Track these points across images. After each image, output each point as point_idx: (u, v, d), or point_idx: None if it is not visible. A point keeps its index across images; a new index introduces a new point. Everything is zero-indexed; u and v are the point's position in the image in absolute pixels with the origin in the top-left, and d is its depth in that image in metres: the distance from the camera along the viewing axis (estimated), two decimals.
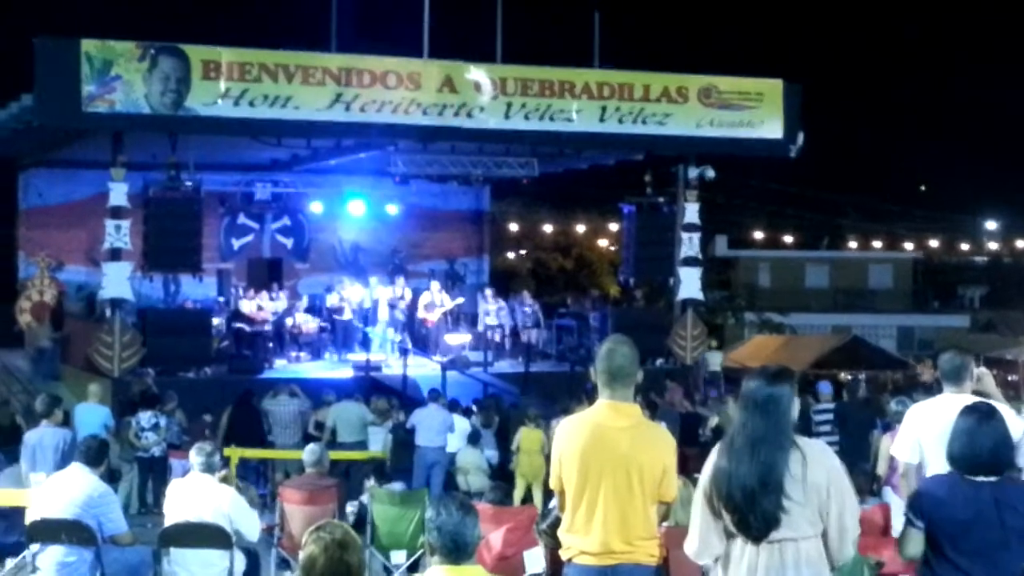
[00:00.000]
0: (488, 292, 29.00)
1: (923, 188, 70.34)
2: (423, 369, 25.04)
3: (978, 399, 6.98)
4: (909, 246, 60.17)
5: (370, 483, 13.28)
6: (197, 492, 9.79)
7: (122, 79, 20.72)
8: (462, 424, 18.64)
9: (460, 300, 28.32)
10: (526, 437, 17.45)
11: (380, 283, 28.20)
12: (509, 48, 23.71)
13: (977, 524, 5.92)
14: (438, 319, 27.54)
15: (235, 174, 28.42)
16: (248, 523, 9.79)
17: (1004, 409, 6.98)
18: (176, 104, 21.05)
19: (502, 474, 17.80)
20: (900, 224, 59.31)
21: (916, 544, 6.07)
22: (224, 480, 10.26)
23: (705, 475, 5.91)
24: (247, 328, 25.77)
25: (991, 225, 63.32)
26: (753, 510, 5.65)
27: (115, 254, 21.95)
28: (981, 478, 5.99)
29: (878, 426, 17.38)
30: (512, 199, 42.60)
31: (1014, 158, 64.06)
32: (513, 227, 45.10)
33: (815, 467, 5.73)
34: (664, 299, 28.12)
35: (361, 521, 11.89)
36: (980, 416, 6.17)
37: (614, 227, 40.32)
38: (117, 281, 21.96)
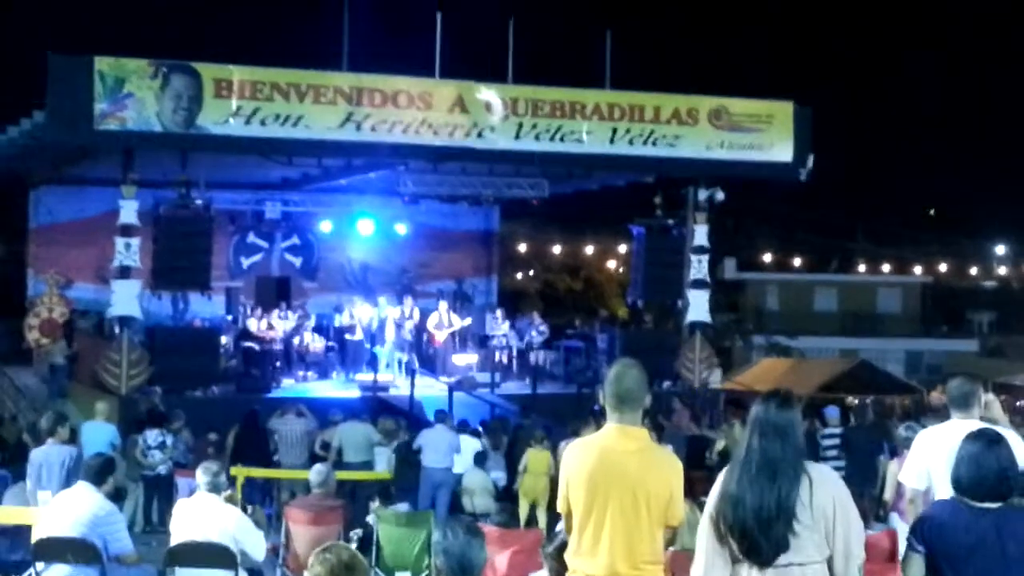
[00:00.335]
0: (497, 313, 29.01)
1: (932, 212, 70.32)
2: (430, 390, 25.03)
3: (985, 425, 6.96)
4: (918, 270, 60.13)
5: (376, 504, 13.27)
6: (203, 512, 9.78)
7: (134, 97, 20.78)
8: (469, 445, 18.60)
9: (468, 321, 28.33)
10: (533, 458, 17.41)
11: (389, 303, 28.21)
12: (520, 68, 23.76)
13: (979, 550, 5.90)
14: (446, 339, 27.55)
15: (245, 192, 28.46)
16: (254, 543, 9.77)
17: (1011, 436, 6.97)
18: (188, 122, 21.10)
19: (509, 496, 17.75)
20: (909, 248, 59.29)
21: (917, 569, 6.05)
22: (230, 500, 10.24)
23: (712, 500, 5.90)
24: (255, 347, 25.79)
25: (1000, 250, 63.25)
26: (764, 535, 5.65)
27: (124, 272, 21.99)
28: (985, 504, 5.97)
29: (885, 451, 17.35)
30: (521, 220, 42.64)
31: (1022, 182, 64.04)
32: (522, 248, 45.13)
33: (821, 492, 5.73)
34: (672, 321, 28.11)
35: (367, 542, 11.88)
36: (986, 442, 6.15)
37: (623, 249, 40.36)
38: (126, 299, 21.99)
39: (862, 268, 61.77)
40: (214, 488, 9.86)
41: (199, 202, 22.54)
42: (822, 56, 75.30)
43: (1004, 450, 6.12)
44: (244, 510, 10.46)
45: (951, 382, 8.22)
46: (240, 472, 17.06)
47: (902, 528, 11.74)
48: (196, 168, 22.43)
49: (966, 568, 5.91)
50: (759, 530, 5.67)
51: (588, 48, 26.21)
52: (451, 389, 24.40)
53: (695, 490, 11.26)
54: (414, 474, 17.78)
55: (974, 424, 7.25)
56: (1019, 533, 5.93)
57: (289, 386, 25.31)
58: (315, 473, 12.28)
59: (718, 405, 26.21)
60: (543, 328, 29.16)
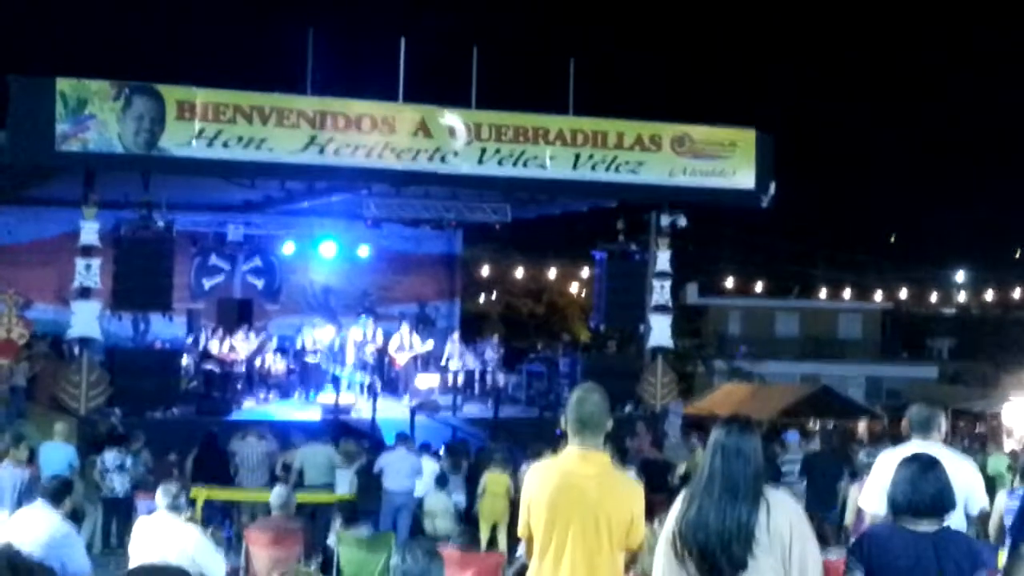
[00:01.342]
0: (457, 336, 29.05)
1: (893, 239, 70.75)
2: (392, 412, 25.00)
3: (923, 450, 7.05)
4: (879, 297, 60.45)
5: (337, 526, 13.24)
6: (162, 533, 9.72)
7: (96, 118, 20.70)
8: (431, 467, 18.59)
9: (430, 344, 28.33)
10: (491, 480, 17.39)
11: (350, 325, 28.18)
12: (483, 95, 23.80)
13: (916, 571, 5.97)
14: (408, 362, 27.54)
15: (207, 214, 28.38)
16: (213, 565, 9.72)
17: (964, 462, 7.07)
18: (150, 144, 21.03)
19: (470, 518, 17.74)
20: (870, 275, 59.62)
21: None
22: (190, 521, 10.19)
23: (670, 522, 5.94)
24: (216, 369, 25.71)
25: (960, 277, 63.69)
26: (723, 557, 5.69)
27: (85, 293, 21.88)
28: (922, 526, 6.05)
29: (845, 476, 17.43)
30: (484, 244, 42.63)
31: (983, 211, 64.59)
32: (485, 271, 45.12)
33: (779, 516, 5.79)
34: (634, 346, 28.17)
35: (328, 564, 11.85)
36: (922, 465, 6.25)
37: (585, 273, 40.45)
38: (86, 320, 21.89)
39: (823, 294, 62.05)
40: (174, 509, 9.81)
41: (161, 224, 22.48)
42: (785, 84, 75.83)
43: (939, 472, 6.22)
44: (203, 531, 10.41)
45: (912, 407, 8.33)
46: (200, 494, 17.00)
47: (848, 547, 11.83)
48: (158, 190, 22.36)
49: None
50: (719, 552, 5.72)
51: (551, 75, 26.33)
52: (413, 412, 24.38)
53: (656, 513, 11.31)
54: (375, 496, 17.76)
55: (933, 447, 7.33)
56: (955, 555, 6.03)
57: (250, 408, 25.23)
58: (275, 495, 12.26)
59: (679, 429, 26.30)
60: (501, 351, 29.23)
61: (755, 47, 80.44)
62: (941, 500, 6.15)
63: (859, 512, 12.47)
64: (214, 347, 26.12)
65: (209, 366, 25.74)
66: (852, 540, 12.71)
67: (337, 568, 11.94)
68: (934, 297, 63.35)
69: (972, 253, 62.87)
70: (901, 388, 52.28)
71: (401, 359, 27.54)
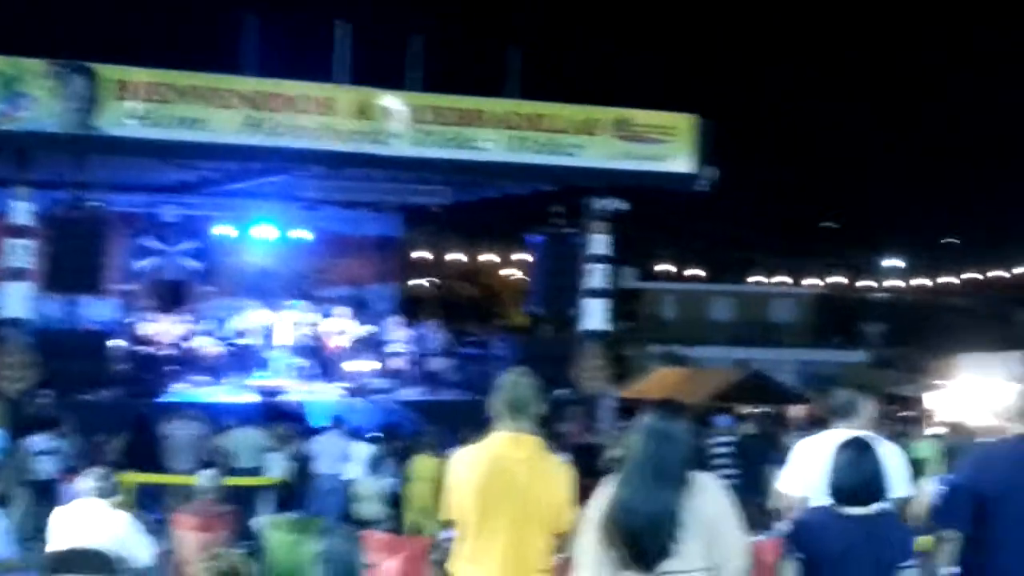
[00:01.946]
0: (395, 319, 28.96)
1: (827, 226, 71.32)
2: (326, 395, 24.91)
3: (857, 433, 7.13)
4: (812, 281, 60.98)
5: (267, 510, 13.21)
6: (89, 517, 9.66)
7: (30, 97, 20.44)
8: (363, 451, 18.54)
9: (367, 327, 28.24)
10: (420, 465, 17.34)
11: (286, 308, 28.04)
12: (425, 77, 23.72)
13: (850, 556, 6.04)
14: (343, 345, 27.45)
15: (142, 195, 28.10)
16: (141, 549, 9.67)
17: (888, 446, 7.15)
18: (85, 124, 20.81)
19: (401, 503, 17.73)
20: (803, 260, 60.12)
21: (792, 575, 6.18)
22: (117, 505, 10.13)
23: (598, 506, 5.97)
24: (148, 351, 25.49)
25: (892, 263, 64.35)
26: (650, 541, 5.73)
27: (16, 274, 21.62)
28: (857, 510, 6.12)
29: (775, 460, 17.56)
30: (423, 227, 42.58)
31: (915, 199, 65.24)
32: (423, 255, 45.10)
33: (705, 500, 5.84)
34: (570, 330, 28.23)
35: (256, 548, 11.81)
36: (856, 449, 6.31)
37: (523, 257, 40.50)
38: (17, 301, 21.65)
39: (757, 279, 62.51)
40: (101, 493, 9.75)
41: (94, 204, 22.25)
42: (723, 69, 76.17)
43: (873, 456, 6.29)
44: (131, 516, 10.34)
45: (835, 392, 8.41)
46: (129, 477, 16.86)
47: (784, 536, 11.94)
48: (92, 170, 22.12)
49: (839, 573, 6.04)
50: (646, 536, 5.75)
51: (492, 58, 26.27)
52: (347, 395, 24.32)
53: (587, 498, 11.36)
54: (307, 481, 17.72)
55: (855, 433, 7.40)
56: (889, 539, 6.10)
57: (181, 391, 25.03)
58: (204, 479, 12.21)
59: (612, 413, 26.38)
60: (441, 335, 29.18)
61: (696, 32, 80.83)
62: (877, 485, 6.22)
63: (781, 497, 12.60)
64: (146, 329, 25.90)
65: (141, 348, 25.52)
66: (782, 524, 12.86)
67: (266, 553, 11.89)
68: (866, 282, 63.97)
69: (904, 240, 63.56)
70: (833, 373, 52.77)
71: (337, 342, 27.45)
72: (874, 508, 6.16)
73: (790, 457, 8.28)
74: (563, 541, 6.77)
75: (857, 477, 6.18)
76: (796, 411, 34.87)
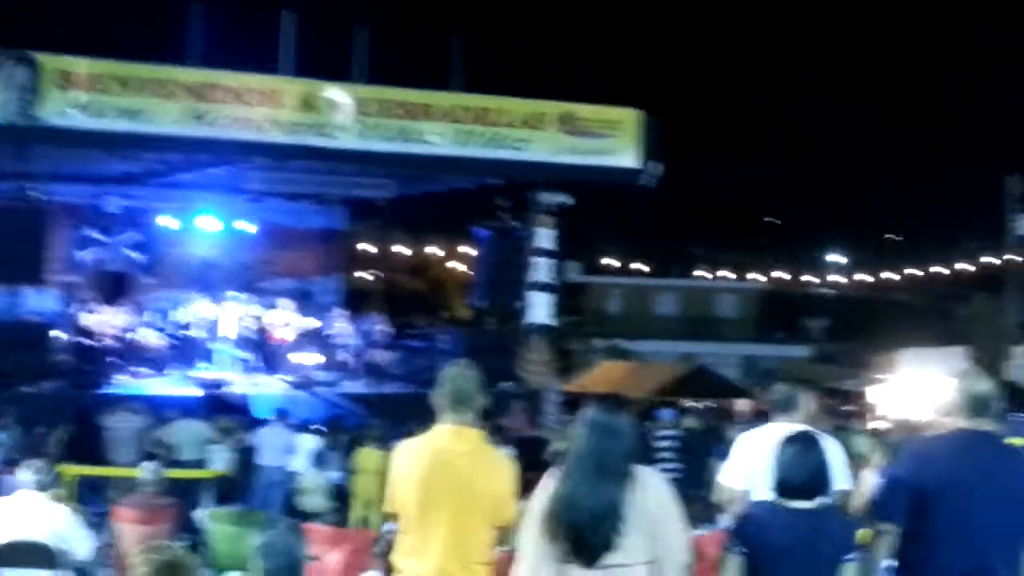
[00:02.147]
0: (340, 313, 28.89)
1: (771, 221, 71.73)
2: (270, 388, 24.83)
3: (801, 428, 7.18)
4: (756, 277, 61.29)
5: (209, 503, 13.16)
6: (28, 510, 9.57)
7: None
8: (307, 444, 18.50)
9: (310, 320, 28.14)
10: (365, 457, 17.33)
11: (230, 300, 27.89)
12: (370, 69, 23.67)
13: (795, 551, 6.07)
14: (287, 338, 27.35)
15: (85, 186, 27.86)
16: (80, 542, 9.59)
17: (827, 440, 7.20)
18: (27, 114, 20.62)
19: (346, 496, 17.70)
20: (748, 255, 60.41)
21: (736, 570, 6.20)
22: (57, 498, 10.04)
23: (540, 500, 5.99)
24: (90, 342, 25.29)
25: (835, 259, 64.78)
26: (593, 535, 5.76)
27: None
28: (800, 504, 6.15)
29: (718, 454, 17.64)
30: (368, 220, 42.37)
31: (859, 195, 65.74)
32: (367, 248, 44.88)
33: (649, 494, 5.87)
34: (514, 323, 28.26)
35: (199, 541, 11.77)
36: (801, 443, 6.34)
37: (468, 251, 40.51)
38: None
39: (702, 274, 62.75)
40: (40, 486, 9.66)
41: (36, 195, 22.06)
42: (668, 65, 76.34)
43: (817, 451, 6.33)
44: (71, 509, 10.27)
45: (775, 386, 8.47)
46: (69, 470, 16.74)
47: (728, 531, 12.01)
48: (34, 160, 21.94)
49: (782, 568, 6.08)
50: (588, 530, 5.78)
51: (437, 51, 26.25)
52: (291, 388, 24.25)
53: (531, 491, 11.38)
54: (250, 474, 17.66)
55: (794, 427, 7.46)
56: (833, 533, 6.14)
57: (124, 383, 24.85)
58: (146, 471, 12.14)
59: (557, 407, 26.43)
60: (383, 328, 29.14)
61: (642, 26, 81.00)
62: (821, 479, 6.26)
63: (723, 490, 12.67)
64: (88, 320, 25.68)
65: (83, 340, 25.30)
66: (725, 518, 12.93)
67: (208, 546, 11.86)
68: (809, 278, 64.37)
69: (847, 236, 64.01)
70: (776, 367, 53.08)
71: (281, 335, 27.34)
72: (817, 502, 6.20)
73: (732, 451, 8.33)
74: (505, 534, 6.79)
75: (803, 471, 6.21)
76: (741, 405, 35.06)
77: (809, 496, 6.19)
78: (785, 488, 6.21)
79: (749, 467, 7.82)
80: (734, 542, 6.19)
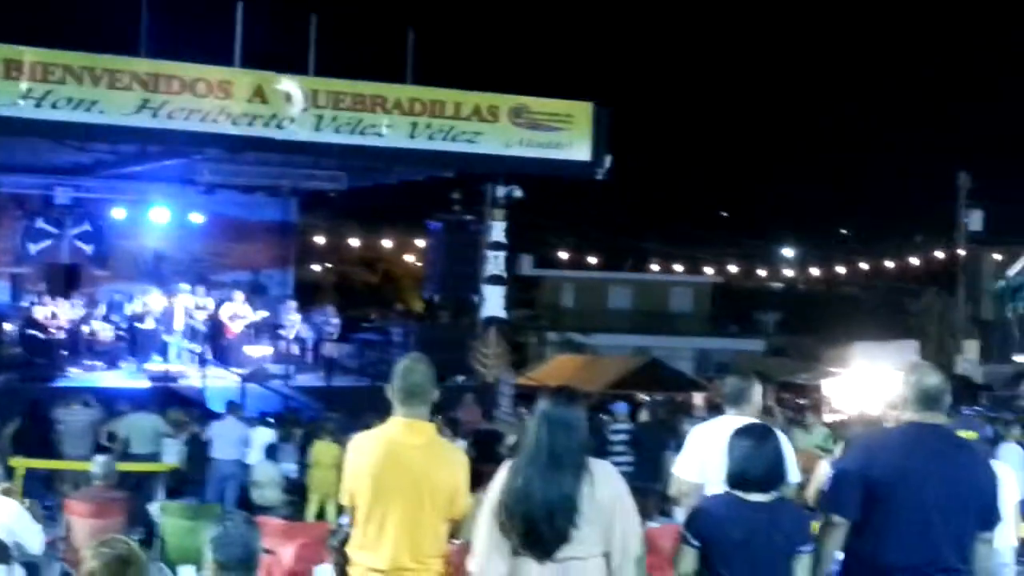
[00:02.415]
0: (290, 304, 28.81)
1: (724, 215, 71.96)
2: (223, 381, 24.71)
3: (750, 421, 7.21)
4: (709, 271, 61.44)
5: (161, 496, 13.09)
6: None
7: None
8: (261, 437, 18.43)
9: (263, 312, 28.04)
10: (321, 451, 17.30)
11: (182, 292, 27.75)
12: (322, 61, 23.60)
13: (750, 544, 6.09)
14: (240, 331, 27.24)
15: (35, 177, 27.69)
16: (31, 536, 9.53)
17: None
18: None
19: (300, 489, 17.67)
20: (701, 249, 60.52)
21: (690, 562, 6.22)
22: (7, 492, 9.97)
23: (494, 492, 5.99)
24: (41, 335, 25.11)
25: (788, 253, 65.07)
26: (548, 527, 5.77)
27: None
28: (755, 496, 6.17)
29: (671, 447, 17.72)
30: (320, 212, 42.28)
31: (810, 189, 66.02)
32: (320, 240, 44.79)
33: (603, 487, 5.89)
34: (468, 316, 28.26)
35: (151, 535, 11.71)
36: (756, 436, 6.36)
37: (421, 243, 40.48)
38: None
39: (655, 268, 62.86)
40: None
41: None
42: (621, 56, 76.46)
43: (772, 444, 6.35)
44: (22, 503, 10.19)
45: (727, 379, 8.49)
46: (20, 463, 16.61)
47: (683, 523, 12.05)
48: None
49: (737, 561, 6.10)
50: (543, 523, 5.79)
51: (390, 43, 26.21)
52: (244, 380, 24.16)
53: (485, 484, 11.37)
54: (204, 467, 17.57)
55: (747, 420, 7.49)
56: (787, 526, 6.17)
57: (76, 375, 24.71)
58: (97, 464, 12.05)
59: (510, 400, 26.47)
60: (336, 321, 29.09)
61: (594, 19, 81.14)
62: (775, 471, 6.29)
63: (677, 482, 12.69)
64: (39, 313, 25.50)
65: (33, 332, 25.12)
66: (679, 510, 12.97)
67: (161, 539, 11.80)
68: (763, 272, 64.63)
69: (799, 230, 64.29)
70: (729, 361, 53.28)
71: (233, 327, 27.22)
72: (772, 495, 6.23)
73: (686, 443, 8.35)
74: (458, 527, 6.79)
75: (759, 464, 6.23)
76: (696, 398, 35.16)
77: (764, 489, 6.21)
78: (740, 481, 6.23)
79: (703, 460, 7.83)
80: (689, 534, 6.21)
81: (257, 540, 5.25)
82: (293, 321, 28.10)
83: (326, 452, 17.13)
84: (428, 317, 34.05)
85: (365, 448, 6.60)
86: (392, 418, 6.63)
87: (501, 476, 6.03)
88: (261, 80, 22.62)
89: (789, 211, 65.09)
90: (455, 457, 6.76)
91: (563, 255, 57.87)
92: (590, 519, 5.82)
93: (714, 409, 24.52)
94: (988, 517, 6.43)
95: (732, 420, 7.66)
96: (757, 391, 8.22)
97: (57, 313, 25.54)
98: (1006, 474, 8.94)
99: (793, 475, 7.55)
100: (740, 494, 6.21)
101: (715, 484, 6.87)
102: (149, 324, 26.66)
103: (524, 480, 5.89)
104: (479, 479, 6.83)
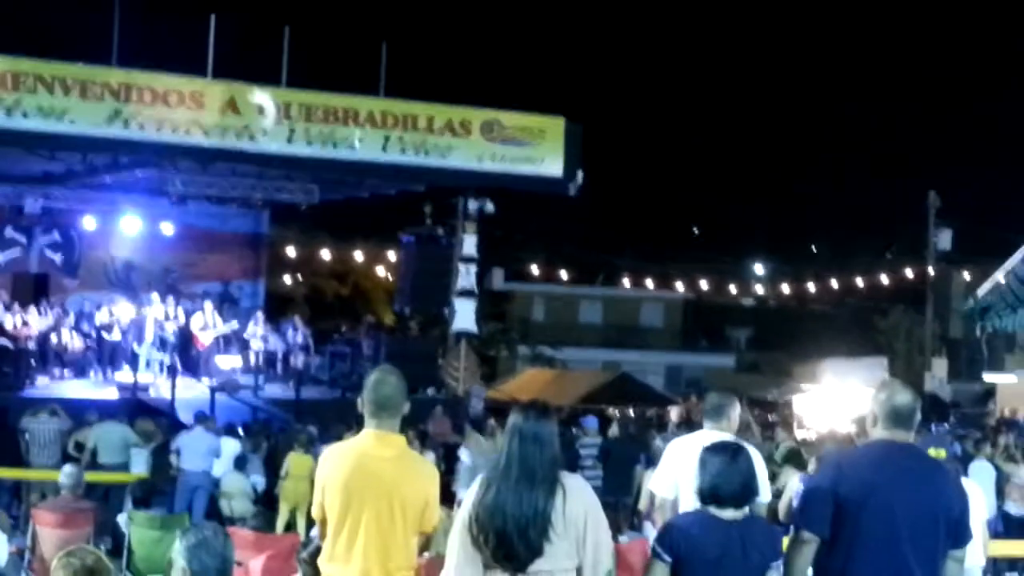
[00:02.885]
0: (258, 315, 28.77)
1: (696, 231, 72.12)
2: (192, 391, 24.65)
3: (726, 437, 7.20)
4: (680, 287, 61.54)
5: (129, 506, 13.03)
6: None
7: None
8: (230, 448, 18.35)
9: (233, 324, 27.96)
10: (295, 462, 17.25)
11: (151, 303, 27.66)
12: (294, 73, 23.60)
13: (724, 560, 6.08)
14: (210, 341, 27.16)
15: (4, 186, 27.56)
16: None
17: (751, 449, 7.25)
18: None
19: (268, 500, 17.60)
20: (672, 265, 60.60)
21: None
22: None
23: (467, 506, 5.98)
24: (9, 344, 24.99)
25: (759, 269, 65.21)
26: (520, 541, 5.77)
27: None
28: (728, 513, 6.17)
29: (642, 461, 17.74)
30: (291, 224, 42.20)
31: (781, 206, 66.25)
32: (290, 252, 44.67)
33: (574, 501, 5.88)
34: (439, 329, 28.28)
35: (119, 545, 11.65)
36: (729, 453, 6.37)
37: (392, 256, 40.48)
38: None
39: (626, 283, 62.90)
40: None
41: None
42: (594, 73, 76.63)
43: (745, 460, 6.35)
44: None
45: (708, 395, 8.53)
46: None
47: (654, 536, 12.06)
48: None
49: None
50: (515, 537, 5.78)
51: (363, 57, 26.23)
52: (213, 391, 24.08)
53: (454, 497, 11.37)
54: (172, 477, 17.48)
55: (724, 435, 7.50)
56: (760, 543, 6.17)
57: (44, 385, 24.60)
58: (65, 474, 11.98)
59: (481, 414, 26.45)
60: (304, 332, 29.05)
61: (568, 34, 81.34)
62: (749, 487, 6.29)
63: (652, 498, 12.72)
64: (7, 322, 25.38)
65: (1, 341, 25.01)
66: (646, 524, 12.98)
67: (128, 549, 11.74)
68: (733, 288, 64.75)
69: (771, 247, 64.45)
70: (700, 376, 53.36)
71: (203, 338, 27.15)
72: (743, 511, 6.23)
73: (661, 458, 8.36)
74: (428, 540, 6.78)
75: (732, 481, 6.23)
76: (672, 413, 35.18)
77: (737, 505, 6.21)
78: (713, 497, 6.23)
79: (678, 475, 7.85)
80: (661, 549, 6.19)
81: (231, 550, 5.21)
82: (263, 332, 28.03)
83: (300, 464, 17.08)
84: (399, 330, 34.04)
85: (336, 460, 6.59)
86: (364, 430, 6.62)
87: (473, 490, 6.02)
88: (233, 92, 22.59)
89: (760, 228, 65.30)
90: (426, 470, 6.74)
91: (534, 269, 57.78)
92: (562, 533, 5.82)
93: (687, 424, 24.61)
94: (959, 535, 6.42)
95: (709, 435, 7.68)
96: (735, 408, 8.26)
97: (27, 322, 25.43)
98: (975, 492, 8.97)
99: (764, 492, 7.57)
100: (714, 510, 6.20)
101: (689, 499, 6.88)
102: (118, 334, 26.56)
103: (496, 494, 5.88)
104: (449, 493, 6.83)
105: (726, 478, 6.23)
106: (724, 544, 6.10)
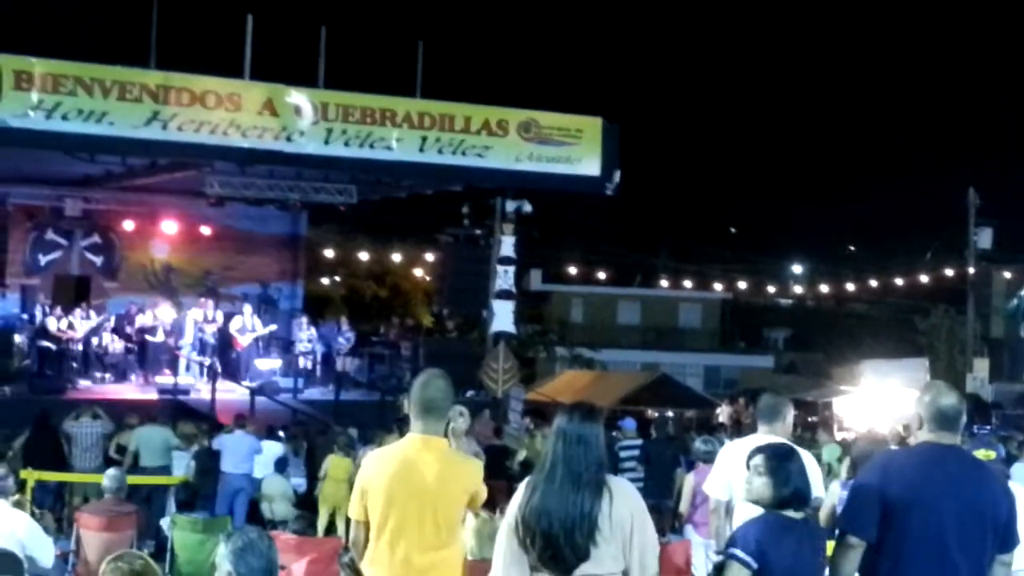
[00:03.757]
0: (302, 319, 28.80)
1: (733, 231, 71.94)
2: (232, 394, 24.70)
3: (767, 440, 7.16)
4: (718, 287, 61.39)
5: (172, 509, 13.05)
6: None
7: None
8: (270, 450, 18.40)
9: (272, 326, 28.03)
10: (334, 465, 17.28)
11: (191, 305, 27.75)
12: (332, 74, 23.60)
13: (798, 563, 6.06)
14: (249, 344, 27.23)
15: (44, 188, 27.70)
16: (42, 549, 9.45)
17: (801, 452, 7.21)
18: None
19: (308, 502, 17.62)
20: (710, 265, 60.45)
21: None
22: (18, 504, 9.92)
23: (513, 509, 5.95)
24: (51, 347, 25.12)
25: (797, 269, 64.99)
26: (567, 545, 5.73)
27: None
28: (800, 515, 6.16)
29: (682, 464, 17.66)
30: (329, 225, 42.26)
31: (820, 205, 66.02)
32: (329, 253, 44.72)
33: (620, 505, 5.84)
34: (477, 331, 28.25)
35: (162, 549, 11.67)
36: (789, 455, 6.34)
37: (430, 257, 40.54)
38: None
39: (664, 283, 62.78)
40: (1, 492, 9.54)
41: None
42: (632, 73, 76.58)
43: (801, 462, 6.34)
44: (33, 515, 10.14)
45: (762, 397, 8.47)
46: (30, 475, 16.57)
47: (696, 539, 12.00)
48: None
49: None
50: (562, 540, 5.75)
51: (400, 57, 26.23)
52: (253, 394, 24.13)
53: (496, 500, 11.32)
54: (213, 479, 17.53)
55: (778, 439, 7.45)
56: (817, 544, 6.17)
57: (86, 387, 24.72)
58: (109, 478, 12.01)
59: (519, 415, 26.42)
60: (349, 335, 29.07)
61: (604, 33, 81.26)
62: (808, 489, 6.28)
63: (694, 499, 12.66)
64: (50, 324, 25.51)
65: (44, 344, 25.14)
66: (686, 525, 12.90)
67: (171, 552, 11.76)
68: (771, 288, 64.55)
69: (808, 247, 64.21)
70: (737, 377, 53.21)
71: (242, 340, 27.22)
72: (803, 513, 6.22)
73: (716, 460, 8.32)
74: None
75: (801, 483, 6.22)
76: (722, 415, 35.07)
77: (800, 507, 6.19)
78: (797, 499, 6.19)
79: (732, 477, 7.80)
80: (744, 554, 6.07)
81: (276, 553, 5.20)
82: (302, 334, 28.08)
83: (339, 466, 17.11)
84: (437, 331, 34.04)
85: (380, 464, 6.58)
86: (409, 434, 6.61)
87: (519, 493, 5.98)
88: (271, 93, 22.60)
89: (798, 227, 65.09)
90: (468, 466, 6.76)
91: (572, 270, 57.73)
92: (608, 537, 5.78)
93: (737, 427, 24.52)
94: (1006, 539, 6.35)
95: (763, 438, 7.63)
96: (790, 410, 8.22)
97: (72, 324, 25.57)
98: (1021, 494, 8.87)
99: (820, 493, 7.54)
100: (790, 513, 6.17)
101: (742, 501, 6.83)
102: (159, 337, 26.65)
103: (542, 497, 5.85)
104: (490, 497, 6.80)
105: (805, 481, 6.22)
106: (798, 546, 6.08)
